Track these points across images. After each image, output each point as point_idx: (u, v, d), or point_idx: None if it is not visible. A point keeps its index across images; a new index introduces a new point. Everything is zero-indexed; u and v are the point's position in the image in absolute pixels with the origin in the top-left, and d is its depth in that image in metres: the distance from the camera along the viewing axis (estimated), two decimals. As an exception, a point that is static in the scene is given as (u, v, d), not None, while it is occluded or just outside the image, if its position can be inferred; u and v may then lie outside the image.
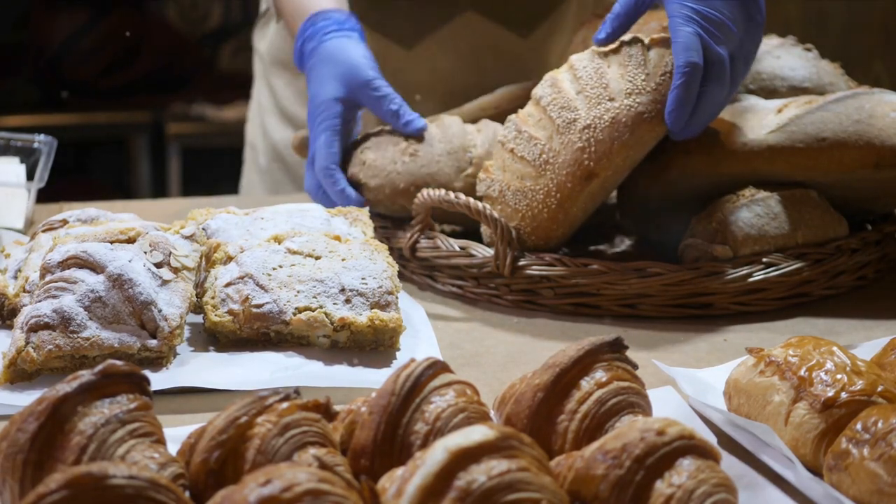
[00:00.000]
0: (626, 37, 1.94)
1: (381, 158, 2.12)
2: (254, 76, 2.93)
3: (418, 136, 2.13)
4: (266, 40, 2.81)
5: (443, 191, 1.97)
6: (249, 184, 2.92)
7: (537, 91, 1.96)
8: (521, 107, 2.04)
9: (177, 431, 1.38)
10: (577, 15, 2.65)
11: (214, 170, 5.56)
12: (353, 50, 2.15)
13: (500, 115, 2.31)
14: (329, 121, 2.13)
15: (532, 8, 2.55)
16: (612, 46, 1.93)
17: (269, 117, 2.80)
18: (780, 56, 2.22)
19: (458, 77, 2.54)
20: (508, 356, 1.79)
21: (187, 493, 1.25)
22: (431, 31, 2.57)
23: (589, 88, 1.90)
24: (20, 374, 1.62)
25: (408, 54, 2.54)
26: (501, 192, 1.95)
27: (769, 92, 2.18)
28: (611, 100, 1.88)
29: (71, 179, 5.19)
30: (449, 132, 2.14)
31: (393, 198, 2.11)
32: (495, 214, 1.94)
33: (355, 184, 2.13)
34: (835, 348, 1.45)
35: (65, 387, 1.27)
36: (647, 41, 1.92)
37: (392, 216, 2.13)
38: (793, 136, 1.96)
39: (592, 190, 1.90)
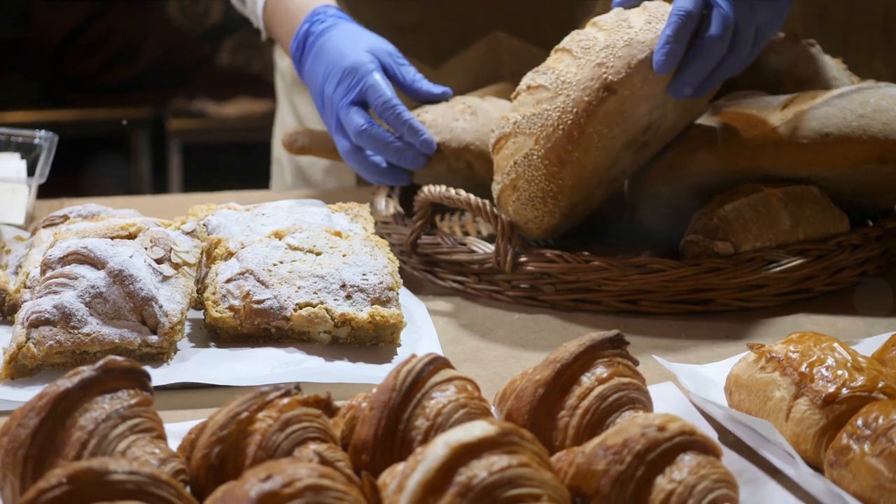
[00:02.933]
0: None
1: (443, 117, 2.11)
2: (276, 93, 2.92)
3: (442, 97, 2.13)
4: (287, 59, 2.80)
5: (443, 187, 1.97)
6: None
7: (559, 44, 1.94)
8: None
9: (177, 427, 1.38)
10: None
11: (215, 165, 5.57)
12: (365, 33, 2.15)
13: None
14: (373, 64, 2.06)
15: (560, 24, 2.53)
16: (634, 3, 1.93)
17: None
18: (782, 52, 2.21)
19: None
20: (509, 352, 1.79)
21: (188, 489, 1.25)
22: (459, 50, 2.56)
23: (609, 24, 1.89)
24: (21, 370, 1.62)
25: (435, 73, 2.52)
26: (516, 123, 1.90)
27: (773, 87, 2.18)
28: (630, 27, 1.86)
29: (72, 175, 5.20)
30: (497, 104, 2.16)
31: (459, 153, 2.09)
32: (496, 210, 1.94)
33: None
34: (836, 344, 1.45)
35: (65, 382, 1.27)
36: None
37: (446, 179, 2.10)
38: (797, 131, 1.96)
39: (609, 109, 1.85)
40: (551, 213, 1.92)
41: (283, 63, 2.82)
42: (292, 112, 2.80)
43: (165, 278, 1.71)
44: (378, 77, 2.03)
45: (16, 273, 1.88)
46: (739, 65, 1.92)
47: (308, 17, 2.17)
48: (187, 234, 1.79)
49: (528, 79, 1.93)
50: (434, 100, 2.13)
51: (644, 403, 1.40)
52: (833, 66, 2.23)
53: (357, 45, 2.09)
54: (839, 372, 1.40)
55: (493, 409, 1.43)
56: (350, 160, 2.09)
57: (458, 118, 2.11)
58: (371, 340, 1.73)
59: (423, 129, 2.02)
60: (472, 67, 2.56)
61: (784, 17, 1.95)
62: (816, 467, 1.37)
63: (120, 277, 1.66)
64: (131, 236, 1.76)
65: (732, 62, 1.89)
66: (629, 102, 1.86)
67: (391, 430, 1.30)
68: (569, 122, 1.86)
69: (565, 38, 1.94)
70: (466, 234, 2.30)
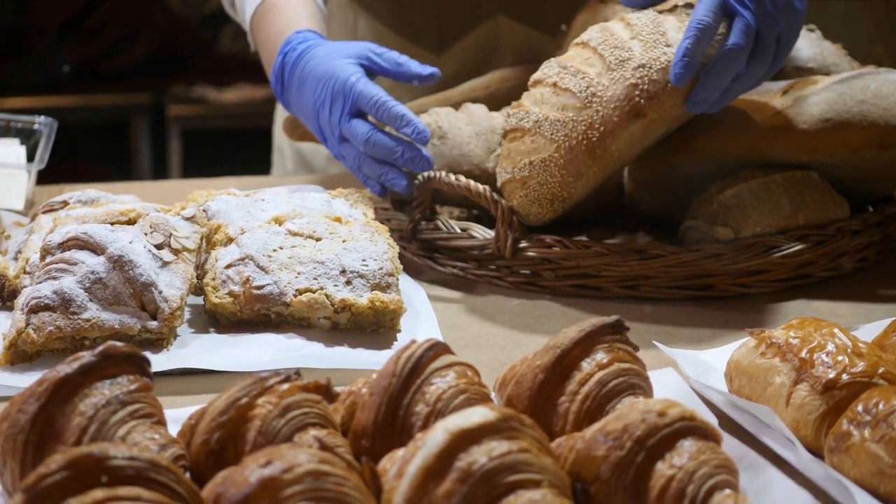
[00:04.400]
0: (681, 1, 1.92)
1: None
2: None
3: (432, 78, 2.08)
4: None
5: (443, 172, 1.97)
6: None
7: (584, 36, 1.91)
8: (514, 88, 2.01)
9: (177, 413, 1.38)
10: None
11: (215, 152, 5.57)
12: (337, 46, 2.11)
13: (490, 97, 2.30)
14: (356, 75, 2.02)
15: (561, 9, 2.52)
16: (667, 7, 1.91)
17: None
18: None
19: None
20: (509, 338, 1.79)
21: (188, 474, 1.25)
22: (461, 36, 2.55)
23: (645, 34, 1.86)
24: (20, 356, 1.62)
25: (437, 59, 2.52)
26: (538, 122, 1.89)
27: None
28: (668, 45, 1.84)
29: (71, 161, 5.19)
30: (475, 116, 2.13)
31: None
32: (496, 196, 1.93)
33: None
34: (836, 330, 1.45)
35: (65, 368, 1.27)
36: None
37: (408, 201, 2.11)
38: (797, 117, 1.96)
39: (635, 131, 1.85)
40: (554, 211, 1.92)
41: None
42: None
43: (165, 264, 1.71)
44: (363, 81, 2.00)
45: (15, 259, 1.88)
46: (763, 75, 1.91)
47: (281, 49, 2.14)
48: (187, 219, 1.79)
49: (555, 74, 1.90)
50: (424, 80, 2.09)
51: (644, 389, 1.40)
52: (833, 51, 2.23)
53: (333, 62, 2.05)
54: (839, 357, 1.40)
55: (493, 395, 1.43)
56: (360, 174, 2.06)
57: (427, 144, 2.07)
58: (371, 326, 1.73)
59: (416, 119, 1.97)
60: (473, 52, 2.56)
61: (801, 25, 1.94)
62: (816, 453, 1.37)
63: (119, 263, 1.66)
64: (131, 222, 1.75)
65: (755, 72, 1.88)
66: (655, 125, 1.87)
67: (391, 416, 1.30)
68: (594, 138, 1.85)
69: (593, 30, 1.91)
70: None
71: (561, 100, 1.88)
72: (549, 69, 1.91)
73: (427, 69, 2.08)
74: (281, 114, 2.86)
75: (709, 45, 1.81)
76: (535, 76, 1.93)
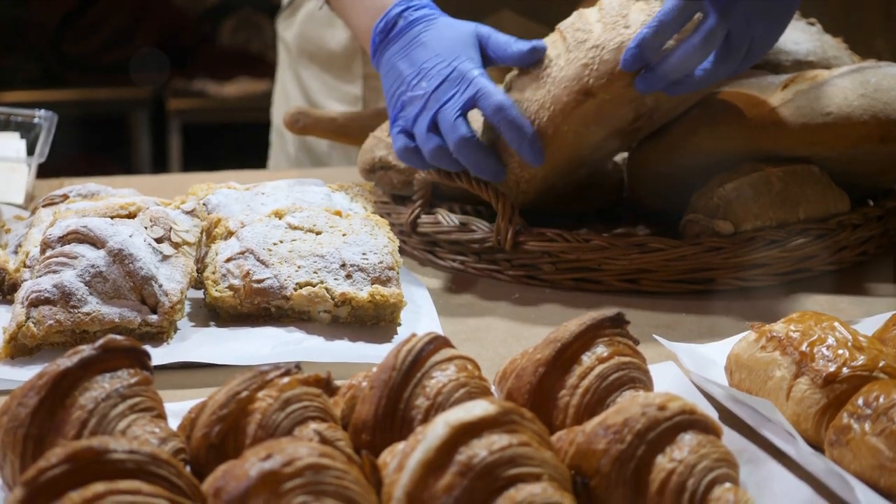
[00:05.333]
0: None
1: None
2: (278, 62, 2.90)
3: (535, 53, 1.95)
4: (292, 30, 2.78)
5: (443, 166, 1.97)
6: (277, 165, 2.91)
7: (562, 23, 1.93)
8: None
9: (177, 406, 1.38)
10: None
11: (215, 145, 5.57)
12: (457, 26, 2.02)
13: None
14: (478, 69, 1.93)
15: (565, 1, 2.52)
16: None
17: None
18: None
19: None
20: (509, 331, 1.79)
21: (188, 468, 1.25)
22: None
23: (608, 17, 1.87)
24: (20, 349, 1.62)
25: None
26: None
27: (773, 66, 2.17)
28: (626, 27, 1.84)
29: (71, 155, 5.19)
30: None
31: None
32: (496, 189, 1.93)
33: (385, 166, 2.12)
34: (836, 324, 1.45)
35: (65, 361, 1.27)
36: None
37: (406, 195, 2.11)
38: (798, 110, 1.96)
39: (586, 112, 1.85)
40: (524, 192, 1.93)
41: (287, 34, 2.81)
42: (297, 85, 2.79)
43: (165, 257, 1.71)
44: (485, 81, 1.91)
45: (15, 252, 1.87)
46: (728, 73, 1.89)
47: (401, 1, 2.04)
48: (187, 213, 1.79)
49: None
50: (526, 60, 1.96)
51: (644, 383, 1.40)
52: (834, 45, 2.23)
53: (455, 44, 1.96)
54: (840, 351, 1.40)
55: (493, 389, 1.43)
56: (434, 157, 1.95)
57: None
58: (371, 320, 1.73)
59: (530, 126, 1.89)
60: None
61: (782, 31, 1.93)
62: (817, 447, 1.37)
63: (120, 257, 1.66)
64: (131, 215, 1.75)
65: (719, 71, 1.87)
66: (608, 105, 1.86)
67: (391, 410, 1.30)
68: (544, 118, 1.86)
69: (571, 16, 1.93)
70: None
71: (521, 81, 1.91)
72: None
73: (527, 44, 1.95)
74: (282, 99, 2.85)
75: (671, 37, 1.81)
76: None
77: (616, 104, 1.87)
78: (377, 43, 2.04)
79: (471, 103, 1.89)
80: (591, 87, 1.84)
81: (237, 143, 5.06)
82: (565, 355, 1.38)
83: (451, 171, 1.94)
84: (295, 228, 1.80)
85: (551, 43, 1.91)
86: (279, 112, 2.85)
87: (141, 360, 1.32)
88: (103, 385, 1.27)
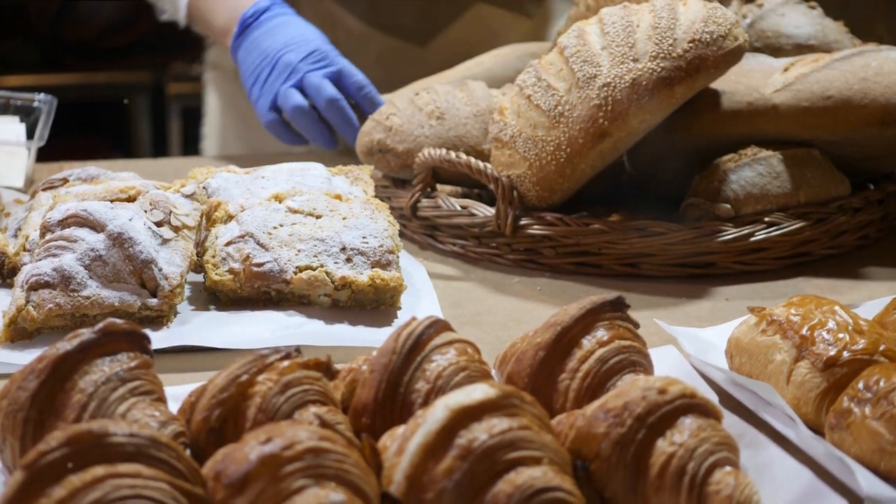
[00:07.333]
0: None
1: (408, 123, 2.11)
2: (206, 98, 3.03)
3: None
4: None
5: (443, 150, 1.97)
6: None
7: (563, 40, 1.92)
8: (512, 67, 2.01)
9: (177, 390, 1.38)
10: None
11: (215, 130, 5.54)
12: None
13: (487, 73, 2.30)
14: (324, 60, 2.24)
15: None
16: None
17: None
18: (784, 14, 2.20)
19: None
20: (510, 315, 1.79)
21: (188, 452, 1.25)
22: (444, 27, 2.56)
23: (614, 45, 1.86)
24: (20, 333, 1.62)
25: (422, 52, 2.52)
26: (513, 137, 1.92)
27: (774, 50, 2.17)
28: (635, 60, 1.85)
29: (71, 139, 5.18)
30: (474, 96, 2.13)
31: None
32: (496, 173, 1.93)
33: (383, 149, 2.12)
34: (837, 307, 1.45)
35: (65, 345, 1.27)
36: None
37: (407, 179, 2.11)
38: (799, 94, 1.96)
39: (603, 149, 1.87)
40: (538, 208, 1.94)
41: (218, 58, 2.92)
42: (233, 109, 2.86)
43: (165, 241, 1.70)
44: (348, 62, 2.24)
45: (15, 236, 1.87)
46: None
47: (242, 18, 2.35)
48: (187, 196, 1.79)
49: (531, 85, 1.91)
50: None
51: (645, 366, 1.40)
52: (834, 28, 2.22)
53: (316, 34, 2.30)
54: (840, 335, 1.40)
55: (493, 372, 1.43)
56: (297, 119, 2.26)
57: (425, 124, 2.09)
58: (371, 303, 1.73)
59: (356, 121, 2.23)
60: (459, 43, 2.56)
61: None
62: (817, 430, 1.37)
63: (119, 240, 1.66)
64: (131, 199, 1.75)
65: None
66: (625, 140, 1.89)
67: (391, 393, 1.30)
68: (562, 159, 1.88)
69: (570, 35, 1.91)
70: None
71: (533, 116, 1.91)
72: (527, 77, 1.94)
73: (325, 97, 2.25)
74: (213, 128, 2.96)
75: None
76: (518, 80, 1.96)
77: (632, 136, 1.89)
78: (242, 28, 2.32)
79: (334, 75, 2.23)
80: (606, 129, 1.85)
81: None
82: (565, 339, 1.38)
83: (451, 156, 1.94)
84: (295, 212, 1.80)
85: (556, 71, 1.90)
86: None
87: (141, 344, 1.32)
88: (103, 368, 1.27)
